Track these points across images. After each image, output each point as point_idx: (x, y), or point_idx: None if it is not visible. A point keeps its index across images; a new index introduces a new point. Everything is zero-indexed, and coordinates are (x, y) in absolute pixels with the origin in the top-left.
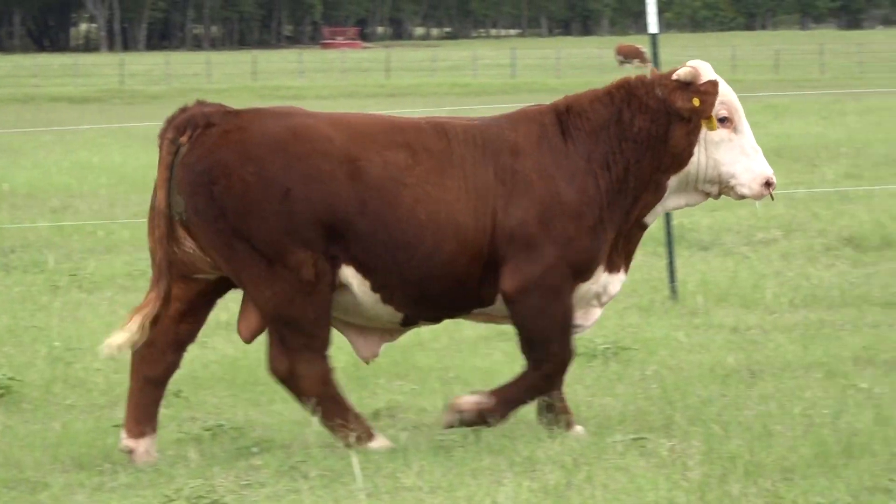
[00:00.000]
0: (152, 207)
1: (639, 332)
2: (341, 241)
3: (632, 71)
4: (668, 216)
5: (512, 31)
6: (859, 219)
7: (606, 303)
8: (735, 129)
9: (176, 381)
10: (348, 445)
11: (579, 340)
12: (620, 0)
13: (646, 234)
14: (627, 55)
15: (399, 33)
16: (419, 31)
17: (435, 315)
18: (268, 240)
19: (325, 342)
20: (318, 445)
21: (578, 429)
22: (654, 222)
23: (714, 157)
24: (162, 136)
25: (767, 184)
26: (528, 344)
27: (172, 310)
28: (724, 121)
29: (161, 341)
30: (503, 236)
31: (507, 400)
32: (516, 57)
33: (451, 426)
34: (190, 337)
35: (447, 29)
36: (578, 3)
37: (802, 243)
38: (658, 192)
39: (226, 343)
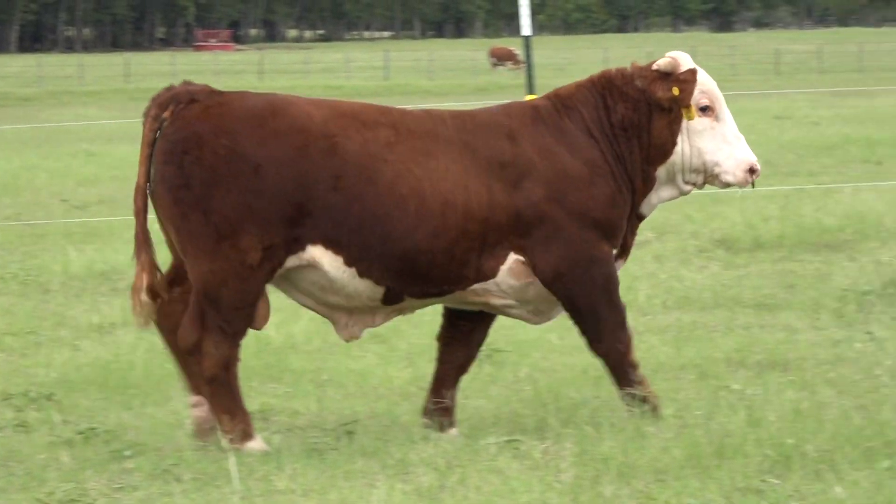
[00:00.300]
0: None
1: (512, 334)
2: (308, 219)
3: (504, 73)
4: None
5: (385, 34)
6: (731, 220)
7: None
8: (717, 118)
9: (47, 383)
10: (226, 436)
11: None
12: (493, 2)
13: None
14: (500, 57)
15: (272, 35)
16: (292, 33)
17: (422, 290)
18: (227, 216)
19: (239, 330)
20: (191, 448)
21: (452, 431)
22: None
23: (697, 146)
24: (146, 113)
25: (751, 170)
26: (580, 319)
27: (187, 286)
28: (705, 109)
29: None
30: (508, 217)
31: (627, 384)
32: (389, 59)
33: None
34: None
35: (320, 31)
36: (451, 5)
37: (675, 245)
38: (648, 184)
39: (98, 345)
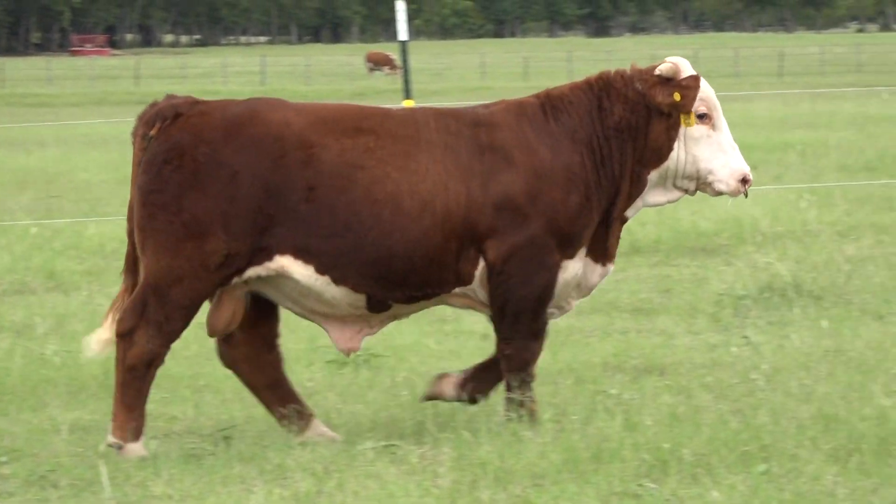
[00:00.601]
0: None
1: (389, 339)
2: (277, 229)
3: (381, 78)
4: None
5: (262, 39)
6: None
7: (587, 293)
8: (714, 126)
9: None
10: (115, 431)
11: (331, 349)
12: (370, 7)
13: None
14: (377, 62)
15: (148, 40)
16: (168, 38)
17: (407, 295)
18: (198, 217)
19: (177, 330)
20: (68, 454)
21: (330, 434)
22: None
23: (693, 153)
24: (134, 133)
25: (744, 180)
26: (500, 315)
27: (257, 328)
28: (703, 117)
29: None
30: (484, 211)
31: (519, 387)
32: (266, 64)
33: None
34: (273, 333)
35: (197, 36)
36: (328, 10)
37: None
38: (639, 186)
39: None
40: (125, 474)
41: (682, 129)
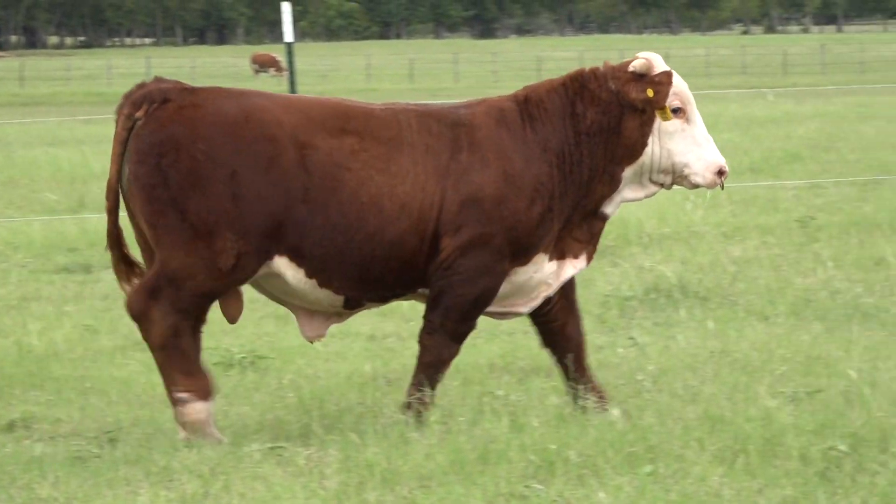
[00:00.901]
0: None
1: (276, 340)
2: (279, 230)
3: (267, 79)
4: None
5: (147, 40)
6: None
7: (556, 289)
8: (687, 120)
9: None
10: (179, 394)
11: (216, 351)
12: (255, 9)
13: None
14: (263, 64)
15: (33, 42)
16: (53, 39)
17: (380, 295)
18: (204, 218)
19: (191, 312)
20: None
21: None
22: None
23: (668, 148)
24: (118, 111)
25: (720, 172)
26: (434, 305)
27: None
28: (677, 111)
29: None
30: (452, 208)
31: (420, 386)
32: (151, 66)
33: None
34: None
35: (81, 38)
36: (213, 11)
37: None
38: (613, 184)
39: None
40: (10, 476)
41: (656, 125)
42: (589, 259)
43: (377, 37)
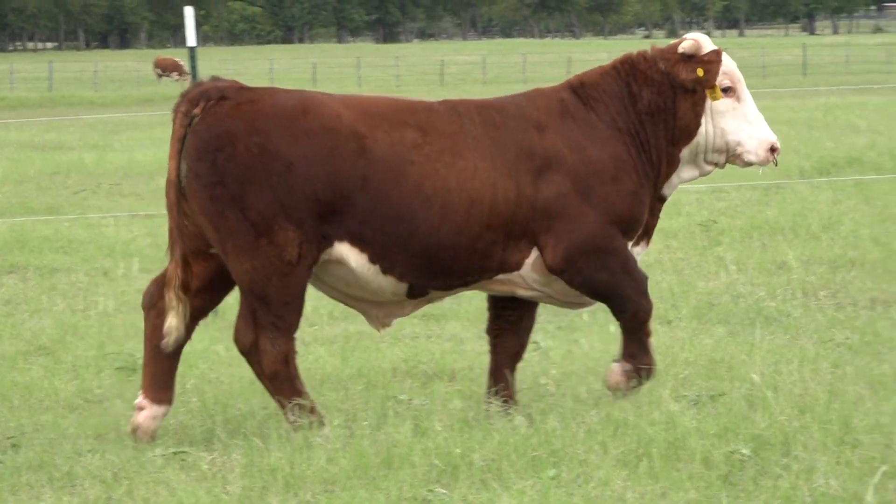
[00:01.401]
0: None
1: None
2: (337, 217)
3: (170, 84)
4: None
5: (49, 45)
6: None
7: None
8: (738, 98)
9: None
10: (292, 426)
11: (119, 356)
12: (158, 13)
13: None
14: (165, 68)
15: None
16: None
17: (447, 283)
18: (261, 212)
19: (292, 324)
20: None
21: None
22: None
23: (720, 127)
24: (176, 109)
25: (772, 149)
26: (604, 299)
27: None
28: (727, 90)
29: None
30: (535, 210)
31: (635, 354)
32: (54, 70)
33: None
34: (203, 312)
35: None
36: (116, 16)
37: None
38: (672, 165)
39: None
40: None
41: (708, 104)
42: (648, 242)
43: (280, 41)
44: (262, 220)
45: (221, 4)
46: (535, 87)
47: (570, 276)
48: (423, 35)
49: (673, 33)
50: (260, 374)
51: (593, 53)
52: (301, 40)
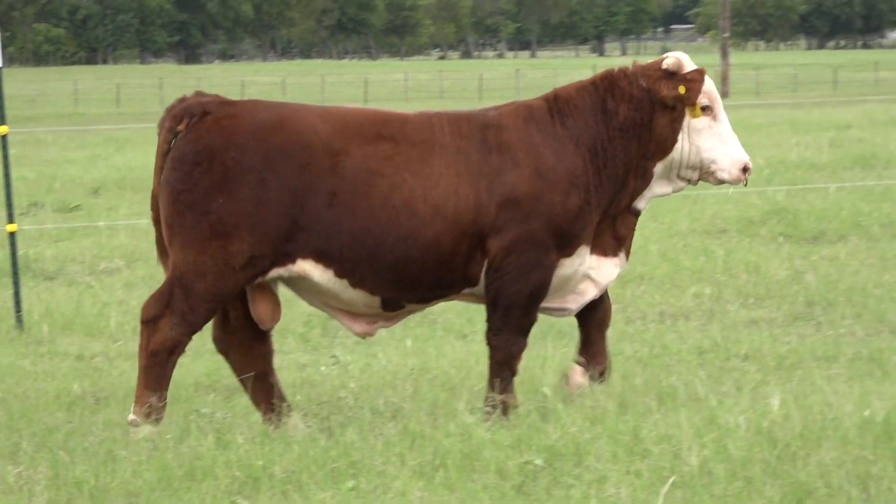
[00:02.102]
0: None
1: None
2: (301, 234)
3: None
4: (12, 246)
5: None
6: None
7: (606, 286)
8: (715, 117)
9: None
10: (136, 410)
11: None
12: None
13: None
14: None
15: None
16: None
17: (420, 296)
18: (224, 219)
19: (198, 322)
20: None
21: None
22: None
23: (696, 144)
24: (161, 124)
25: (745, 169)
26: (494, 307)
27: (243, 312)
28: (705, 109)
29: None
30: (491, 209)
31: (499, 385)
32: None
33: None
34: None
35: None
36: None
37: (145, 272)
38: (645, 179)
39: None
40: None
41: (686, 121)
42: (627, 255)
43: (84, 62)
44: (221, 226)
45: (26, 26)
46: (514, 100)
47: (494, 277)
48: (225, 56)
49: (467, 54)
50: (143, 348)
51: (390, 74)
52: (105, 61)
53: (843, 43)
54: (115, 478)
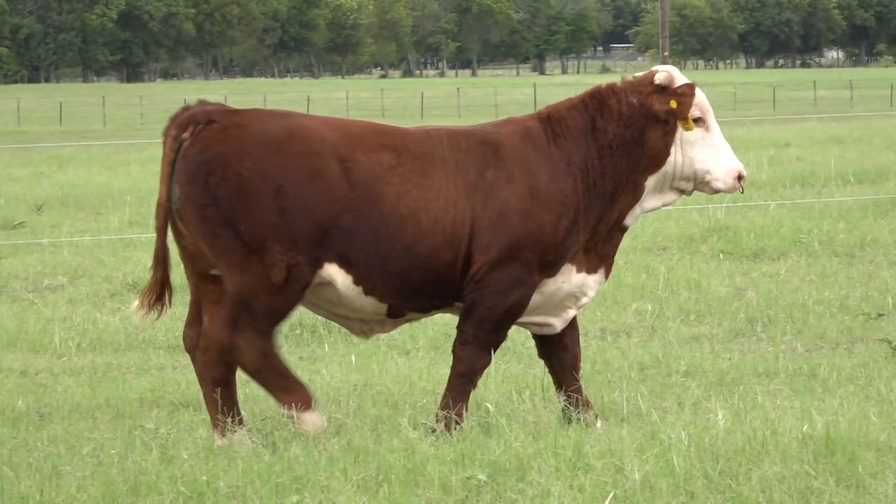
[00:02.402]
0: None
1: None
2: (327, 238)
3: None
4: None
5: None
6: (144, 265)
7: (585, 305)
8: (707, 128)
9: None
10: (289, 413)
11: None
12: None
13: None
14: None
15: None
16: None
17: (421, 306)
18: (253, 232)
19: (271, 329)
20: None
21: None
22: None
23: (689, 156)
24: (165, 133)
25: (739, 177)
26: (467, 316)
27: (214, 312)
28: (697, 121)
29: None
30: (482, 224)
31: (453, 399)
32: None
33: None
34: None
35: None
36: None
37: (89, 289)
38: (636, 193)
39: None
40: None
41: (678, 134)
42: (608, 273)
43: (27, 80)
44: (253, 240)
45: None
46: (509, 117)
47: (473, 287)
48: (167, 75)
49: (409, 73)
50: (244, 369)
51: (332, 92)
52: (48, 80)
53: (781, 62)
54: (59, 493)
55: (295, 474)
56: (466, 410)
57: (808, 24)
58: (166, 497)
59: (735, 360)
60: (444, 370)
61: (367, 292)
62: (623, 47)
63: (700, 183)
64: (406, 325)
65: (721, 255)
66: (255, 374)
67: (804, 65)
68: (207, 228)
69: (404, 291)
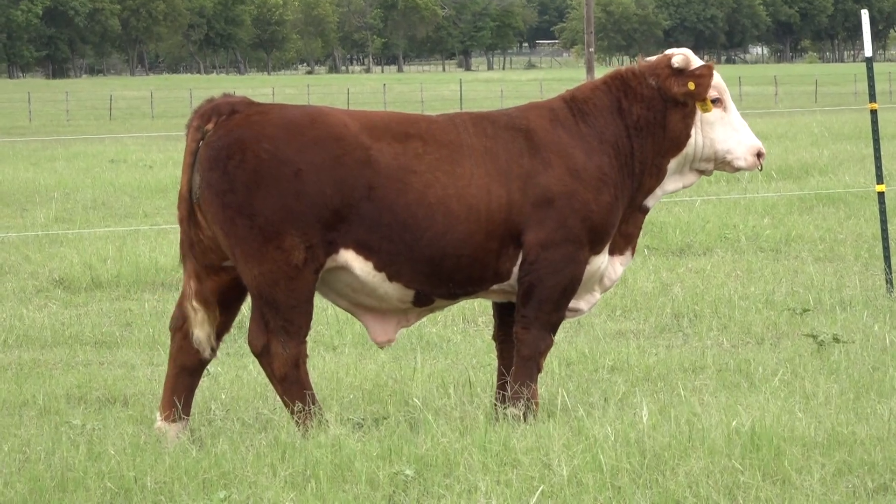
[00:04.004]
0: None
1: None
2: (343, 224)
3: None
4: None
5: None
6: (70, 261)
7: (609, 287)
8: (725, 108)
9: None
10: (299, 428)
11: None
12: None
13: None
14: None
15: None
16: None
17: (450, 292)
18: (269, 218)
19: (302, 327)
20: None
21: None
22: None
23: (710, 137)
24: (189, 124)
25: (759, 154)
26: (526, 300)
27: (205, 310)
28: (716, 101)
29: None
30: (524, 211)
31: (523, 384)
32: None
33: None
34: (224, 328)
35: None
36: None
37: (15, 285)
38: (659, 176)
39: None
40: None
41: (697, 115)
42: (632, 254)
43: None
44: (270, 227)
45: None
46: (529, 102)
47: (527, 270)
48: (93, 71)
49: (335, 69)
50: (270, 375)
51: (258, 89)
52: None
53: (706, 58)
54: None
55: (222, 470)
56: (535, 396)
57: (733, 20)
58: (94, 493)
59: (661, 356)
60: (371, 366)
61: (391, 278)
62: (549, 43)
63: (721, 163)
64: (333, 320)
65: (647, 250)
66: (280, 381)
67: (729, 60)
68: (226, 215)
69: (434, 277)
